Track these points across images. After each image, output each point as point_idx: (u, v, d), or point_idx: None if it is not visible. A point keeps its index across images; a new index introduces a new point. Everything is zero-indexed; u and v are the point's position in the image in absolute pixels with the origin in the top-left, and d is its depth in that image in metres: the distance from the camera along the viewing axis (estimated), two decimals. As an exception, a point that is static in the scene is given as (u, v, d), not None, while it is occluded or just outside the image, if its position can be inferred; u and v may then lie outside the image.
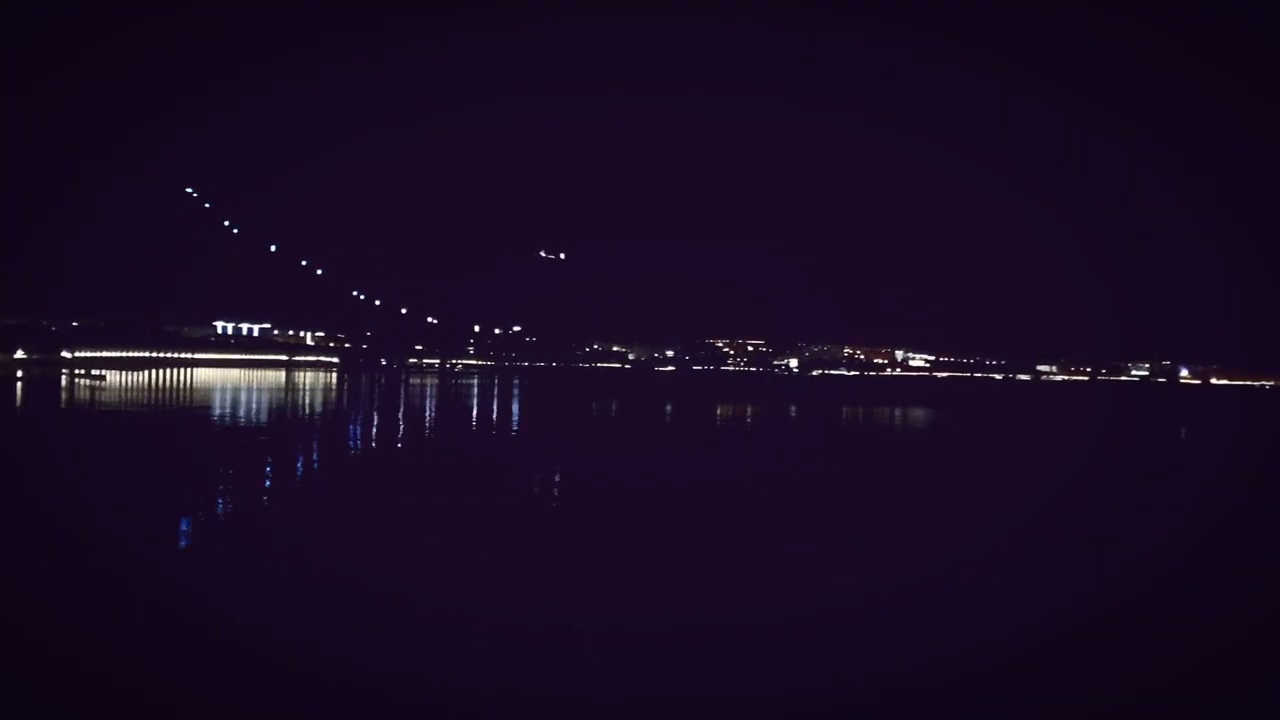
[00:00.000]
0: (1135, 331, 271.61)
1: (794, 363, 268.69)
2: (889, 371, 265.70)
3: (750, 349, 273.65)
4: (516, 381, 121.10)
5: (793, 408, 65.29)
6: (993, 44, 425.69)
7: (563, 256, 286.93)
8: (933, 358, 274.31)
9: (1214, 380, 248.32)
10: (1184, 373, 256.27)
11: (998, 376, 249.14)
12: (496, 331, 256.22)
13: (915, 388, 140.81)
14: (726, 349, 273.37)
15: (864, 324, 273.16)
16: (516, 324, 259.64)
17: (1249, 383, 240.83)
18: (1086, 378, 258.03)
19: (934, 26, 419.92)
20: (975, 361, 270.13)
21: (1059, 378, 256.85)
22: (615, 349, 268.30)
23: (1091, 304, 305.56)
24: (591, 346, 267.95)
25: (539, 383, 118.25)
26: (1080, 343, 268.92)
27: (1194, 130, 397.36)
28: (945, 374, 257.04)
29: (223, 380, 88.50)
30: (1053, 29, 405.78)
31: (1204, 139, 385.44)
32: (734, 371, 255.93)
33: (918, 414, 59.61)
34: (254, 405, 49.80)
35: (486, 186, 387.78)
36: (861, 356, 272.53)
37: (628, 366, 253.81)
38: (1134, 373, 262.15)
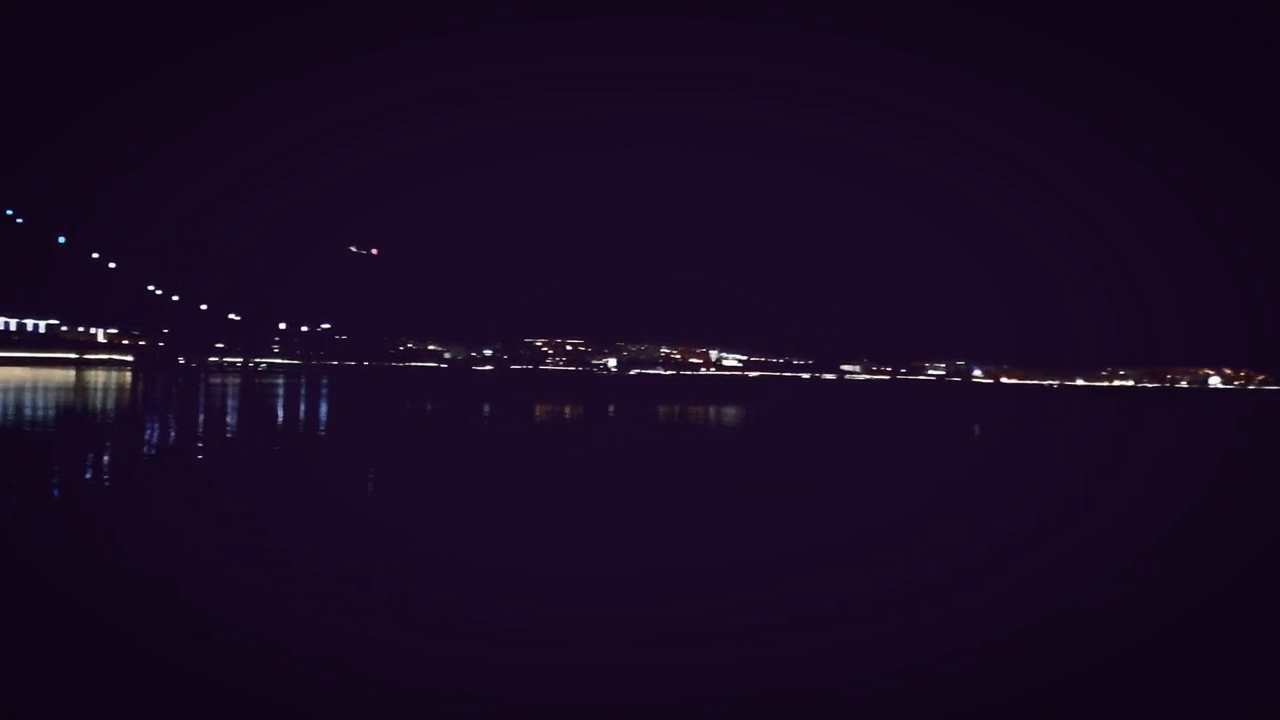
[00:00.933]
0: (934, 333, 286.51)
1: (613, 362, 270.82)
2: (704, 371, 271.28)
3: (569, 348, 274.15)
4: (324, 382, 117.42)
5: (611, 407, 65.56)
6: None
7: (375, 252, 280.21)
8: (745, 358, 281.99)
9: (1004, 379, 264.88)
10: (977, 372, 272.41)
11: (805, 376, 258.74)
12: (304, 329, 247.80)
13: (724, 386, 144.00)
14: (545, 348, 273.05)
15: (680, 324, 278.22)
16: (325, 321, 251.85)
17: (1034, 381, 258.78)
18: (887, 377, 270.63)
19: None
20: (784, 361, 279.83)
21: (861, 377, 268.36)
22: (431, 348, 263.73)
23: (896, 307, 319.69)
24: (406, 345, 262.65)
25: (345, 384, 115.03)
26: (882, 343, 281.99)
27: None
28: (756, 373, 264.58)
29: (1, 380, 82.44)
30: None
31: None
32: (553, 371, 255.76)
33: (727, 412, 60.88)
34: (28, 407, 46.40)
35: (296, 180, 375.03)
36: (678, 356, 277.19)
37: (444, 366, 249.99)
38: (930, 372, 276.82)
